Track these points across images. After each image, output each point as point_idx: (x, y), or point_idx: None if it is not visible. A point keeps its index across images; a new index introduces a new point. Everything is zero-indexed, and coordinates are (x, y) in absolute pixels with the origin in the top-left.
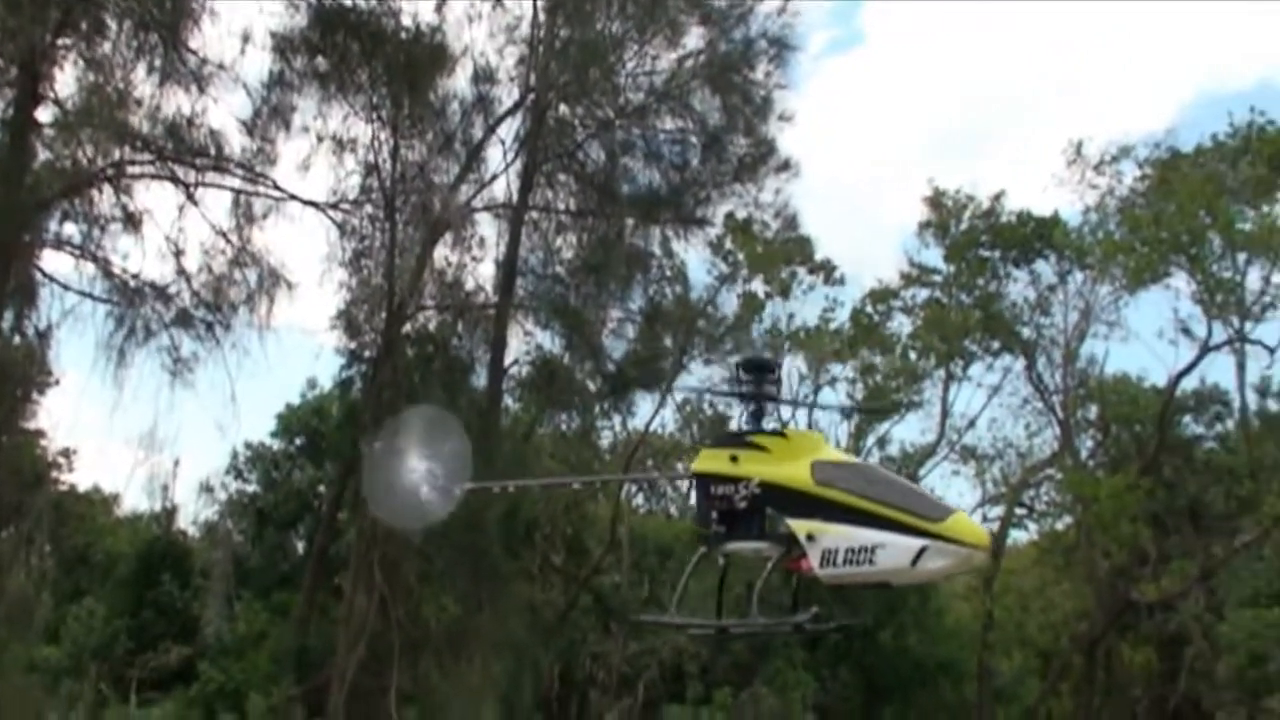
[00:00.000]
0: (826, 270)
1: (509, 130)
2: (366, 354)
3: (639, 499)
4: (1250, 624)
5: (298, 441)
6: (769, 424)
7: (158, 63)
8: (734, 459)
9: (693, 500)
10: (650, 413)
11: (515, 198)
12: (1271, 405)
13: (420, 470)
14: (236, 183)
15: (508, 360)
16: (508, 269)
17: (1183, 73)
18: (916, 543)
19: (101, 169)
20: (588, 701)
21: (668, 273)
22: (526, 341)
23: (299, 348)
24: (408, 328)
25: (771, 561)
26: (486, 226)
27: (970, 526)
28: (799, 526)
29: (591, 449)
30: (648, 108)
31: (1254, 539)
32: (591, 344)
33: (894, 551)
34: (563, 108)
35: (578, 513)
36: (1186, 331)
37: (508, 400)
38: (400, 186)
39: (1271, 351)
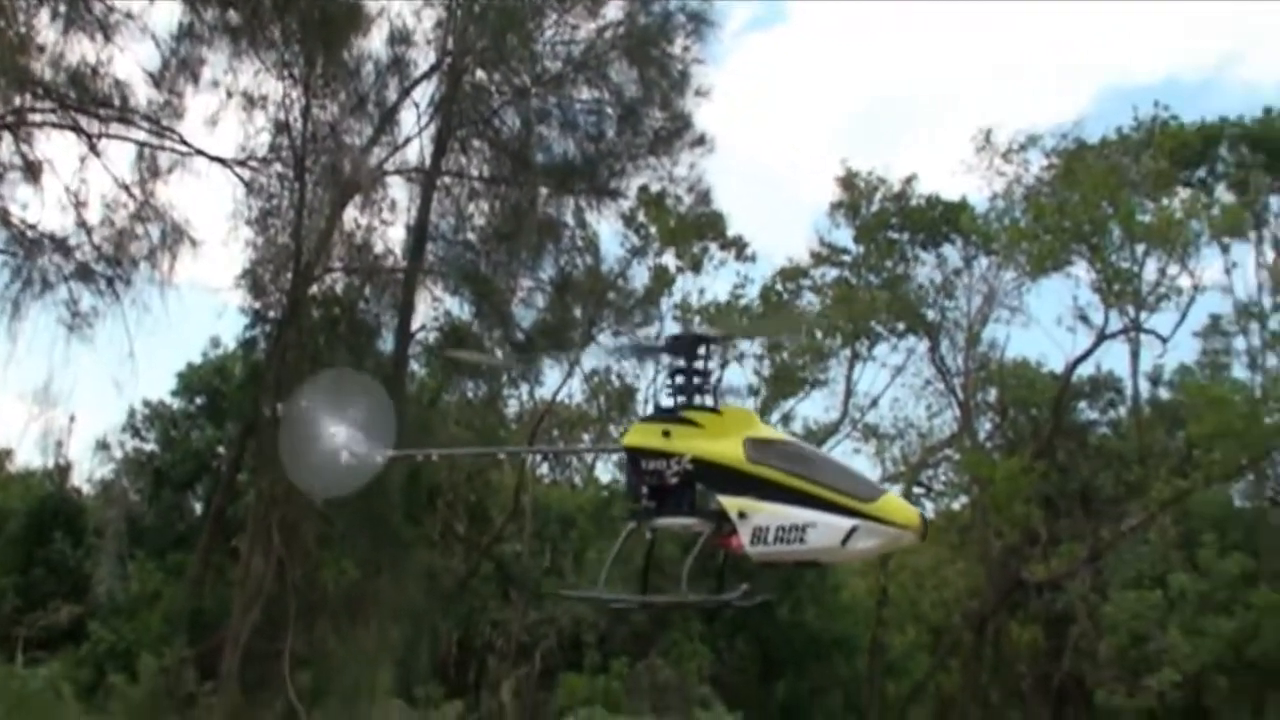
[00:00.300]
0: (738, 246)
1: (424, 94)
2: (271, 314)
3: (543, 468)
4: (1133, 605)
5: (198, 401)
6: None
7: (63, 9)
8: (666, 434)
9: (597, 471)
10: (558, 382)
11: (428, 162)
12: (1163, 393)
13: (341, 436)
14: (141, 135)
15: (415, 325)
16: (418, 234)
17: (1093, 66)
18: (847, 522)
19: (1, 116)
20: (486, 668)
21: (579, 243)
22: (435, 307)
23: (202, 306)
24: (314, 289)
25: (702, 538)
26: (398, 190)
27: (901, 507)
28: (730, 504)
29: (498, 417)
30: (565, 77)
31: (1140, 523)
32: (501, 312)
33: (825, 531)
34: (479, 73)
35: (481, 480)
36: (1084, 319)
37: (414, 366)
38: (311, 146)
39: (1164, 341)
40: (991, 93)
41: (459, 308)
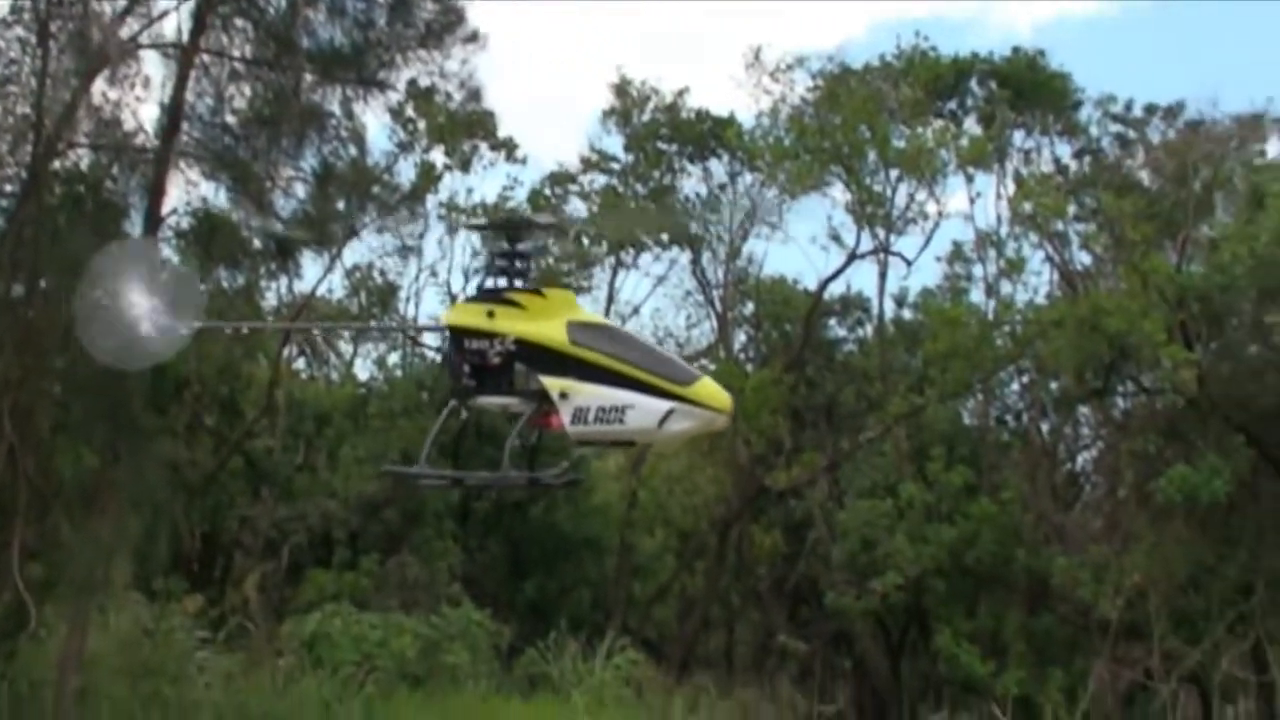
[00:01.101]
0: (508, 148)
1: None
2: (8, 189)
3: (300, 363)
4: (866, 513)
5: None
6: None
7: None
8: (490, 314)
9: (355, 368)
10: (318, 276)
11: (186, 38)
12: (906, 314)
13: (143, 306)
14: None
15: (167, 209)
16: (172, 113)
17: None
18: (664, 405)
19: None
20: (232, 563)
21: (344, 134)
22: (189, 191)
23: None
24: (56, 164)
25: (524, 417)
26: (152, 65)
27: (716, 391)
28: (552, 384)
29: (254, 308)
30: None
31: (877, 435)
32: (259, 200)
33: (643, 412)
34: None
35: (232, 373)
36: (837, 239)
37: (166, 251)
38: (56, 11)
39: (909, 264)
40: (772, 13)
41: (215, 193)
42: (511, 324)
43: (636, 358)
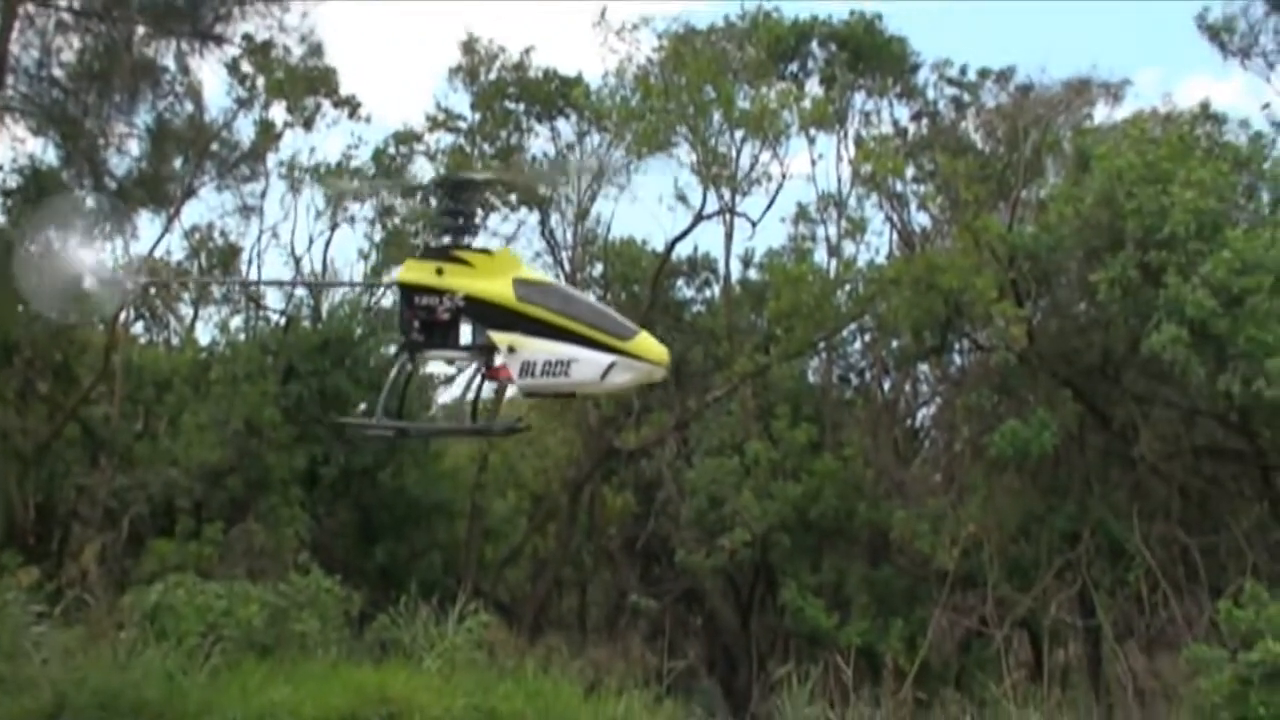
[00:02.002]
0: (351, 105)
1: None
2: None
3: (138, 327)
4: (713, 471)
5: None
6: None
7: None
8: (439, 272)
9: (198, 331)
10: (155, 237)
11: None
12: (752, 274)
13: (88, 260)
14: None
15: None
16: None
17: None
18: (606, 358)
19: None
20: (69, 535)
21: (180, 89)
22: (15, 148)
23: None
24: None
25: (477, 371)
26: None
27: (653, 345)
28: (501, 339)
29: None
30: None
31: (724, 394)
32: (91, 158)
33: (586, 366)
34: None
35: (66, 338)
36: (684, 199)
37: None
38: None
39: (754, 224)
40: None
41: (43, 150)
42: (460, 281)
43: (580, 313)
